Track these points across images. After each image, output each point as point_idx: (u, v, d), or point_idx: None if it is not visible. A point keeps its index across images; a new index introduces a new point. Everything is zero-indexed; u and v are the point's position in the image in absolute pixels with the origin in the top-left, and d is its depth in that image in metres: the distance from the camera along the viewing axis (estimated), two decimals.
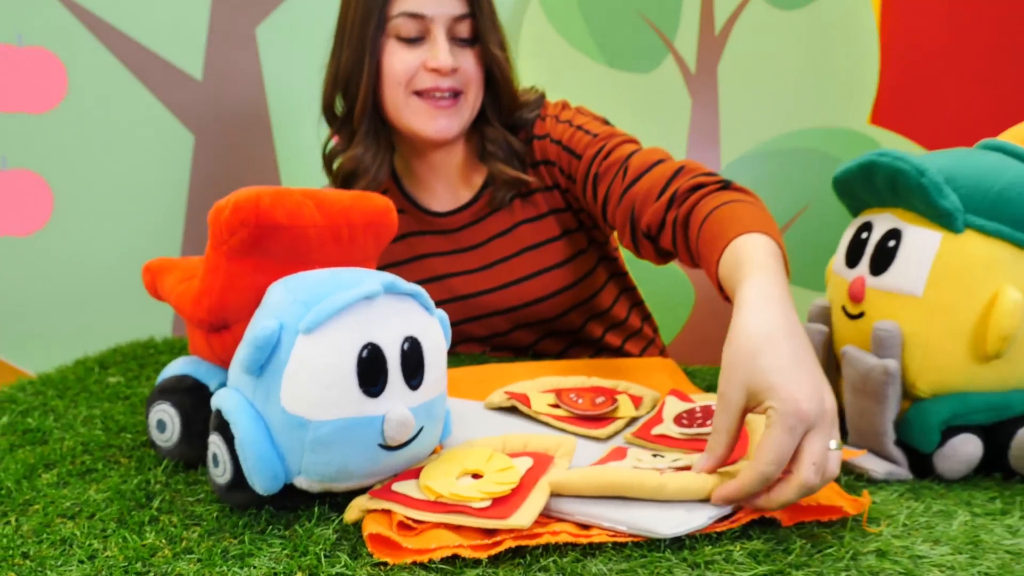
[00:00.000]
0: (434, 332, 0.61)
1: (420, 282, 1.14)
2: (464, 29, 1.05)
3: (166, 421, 0.69)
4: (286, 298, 0.58)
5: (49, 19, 1.49)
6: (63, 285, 1.54)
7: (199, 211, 1.57)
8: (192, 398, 0.70)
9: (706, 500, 0.56)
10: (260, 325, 0.56)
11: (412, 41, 1.03)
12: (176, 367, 0.73)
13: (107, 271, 1.55)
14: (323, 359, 0.55)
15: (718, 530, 0.55)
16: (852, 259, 0.73)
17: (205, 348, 0.71)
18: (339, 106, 1.11)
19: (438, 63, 1.02)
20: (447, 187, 1.15)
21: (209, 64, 1.57)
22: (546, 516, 0.56)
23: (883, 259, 0.69)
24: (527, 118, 1.12)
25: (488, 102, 1.10)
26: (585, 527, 0.55)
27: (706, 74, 1.75)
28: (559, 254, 1.13)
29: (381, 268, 1.14)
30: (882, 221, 0.71)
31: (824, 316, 0.77)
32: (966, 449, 0.67)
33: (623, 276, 1.26)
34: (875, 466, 0.68)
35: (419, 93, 1.04)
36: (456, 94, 1.06)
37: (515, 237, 1.13)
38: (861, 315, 0.71)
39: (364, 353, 0.56)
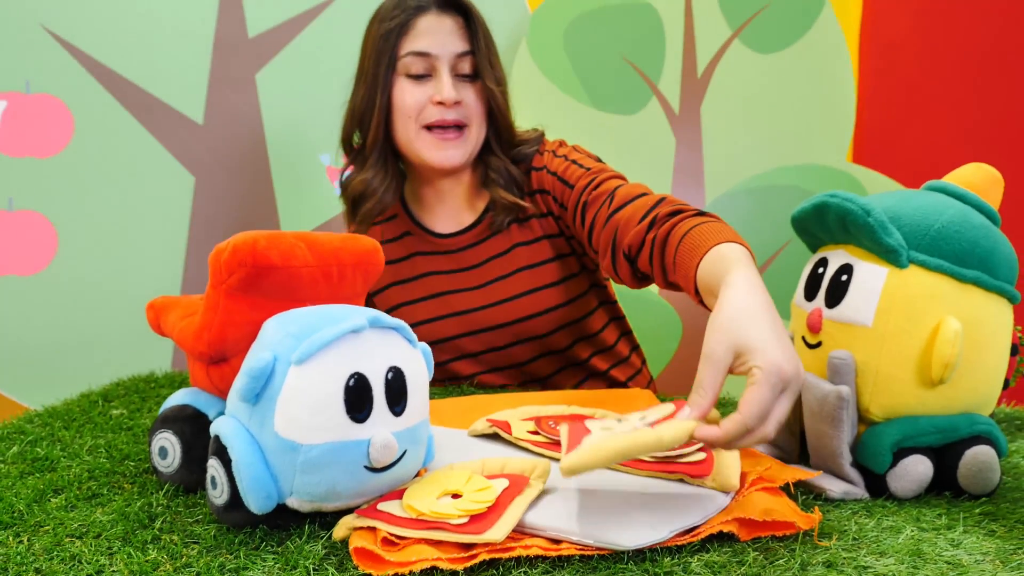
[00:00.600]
0: (417, 363, 0.66)
1: (422, 299, 1.23)
2: (466, 65, 1.16)
3: (168, 448, 0.74)
4: (280, 332, 0.63)
5: (56, 66, 1.54)
6: (66, 323, 1.58)
7: (199, 250, 1.62)
8: (192, 426, 0.74)
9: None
10: (256, 357, 0.61)
11: (420, 78, 1.15)
12: (177, 398, 0.78)
13: (109, 309, 1.58)
14: (313, 388, 0.60)
15: (679, 543, 0.60)
16: (810, 292, 0.78)
17: (205, 380, 0.76)
18: (356, 139, 1.22)
19: (443, 96, 1.13)
20: (452, 211, 1.25)
21: (210, 109, 1.62)
22: (519, 532, 0.60)
23: (837, 292, 0.74)
24: (527, 152, 1.22)
25: (492, 135, 1.21)
26: (556, 542, 0.59)
27: (690, 115, 1.81)
28: (552, 275, 1.21)
29: (388, 286, 1.24)
30: (836, 257, 0.76)
31: None
32: (917, 469, 0.71)
33: (613, 304, 1.33)
34: (832, 486, 0.72)
35: (428, 128, 1.15)
36: (460, 127, 1.16)
37: (511, 258, 1.21)
38: (819, 345, 0.76)
39: (351, 382, 0.60)
